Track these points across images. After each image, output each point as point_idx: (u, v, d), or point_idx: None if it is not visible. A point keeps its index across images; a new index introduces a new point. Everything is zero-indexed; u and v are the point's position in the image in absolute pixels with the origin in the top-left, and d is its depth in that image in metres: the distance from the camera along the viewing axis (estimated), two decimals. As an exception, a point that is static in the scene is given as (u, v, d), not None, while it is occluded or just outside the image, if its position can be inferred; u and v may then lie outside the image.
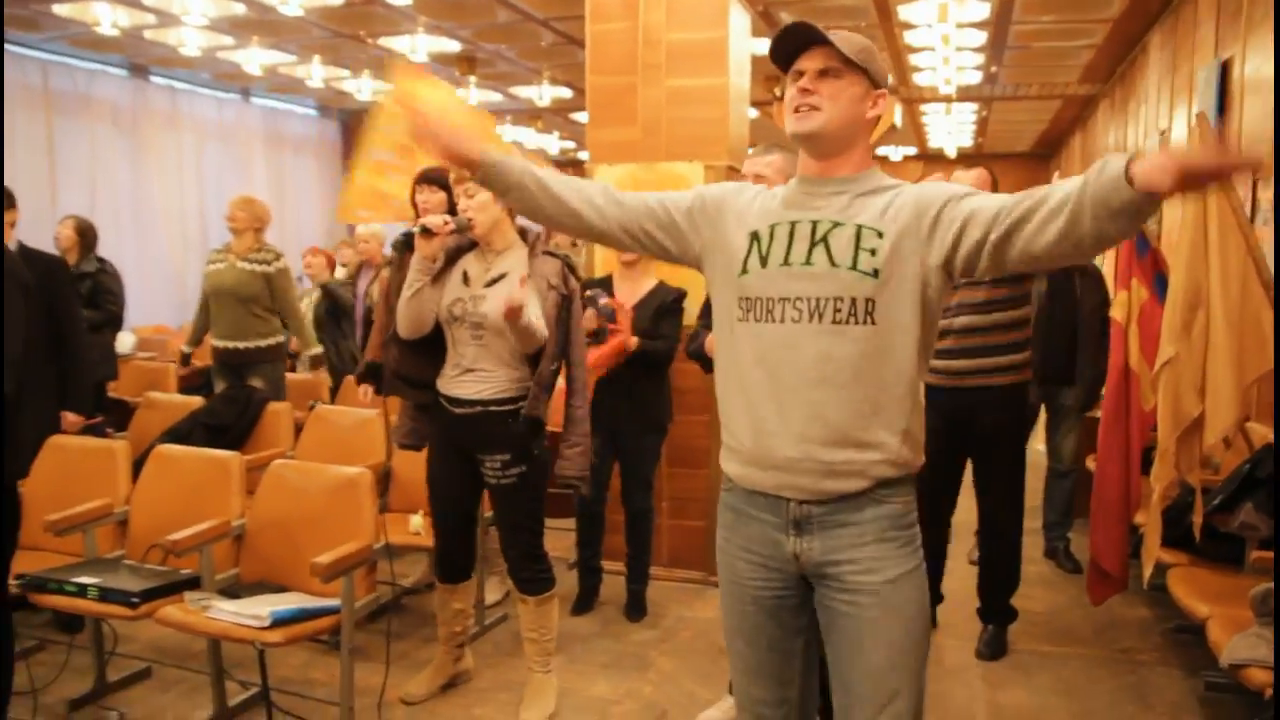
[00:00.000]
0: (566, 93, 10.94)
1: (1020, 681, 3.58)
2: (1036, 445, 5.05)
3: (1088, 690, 3.52)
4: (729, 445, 1.91)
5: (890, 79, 1.86)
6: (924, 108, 12.07)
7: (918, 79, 9.97)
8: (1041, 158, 15.67)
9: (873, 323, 1.76)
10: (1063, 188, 1.63)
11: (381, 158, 5.09)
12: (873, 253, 1.76)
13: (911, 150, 15.89)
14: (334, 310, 5.99)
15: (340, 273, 6.59)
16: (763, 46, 8.45)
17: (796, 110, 1.81)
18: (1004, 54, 8.83)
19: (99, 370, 5.41)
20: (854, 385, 1.77)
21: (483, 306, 3.09)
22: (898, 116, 10.92)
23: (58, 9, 7.56)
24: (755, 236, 1.87)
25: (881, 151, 15.36)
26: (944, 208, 1.75)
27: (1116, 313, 3.64)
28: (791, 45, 1.82)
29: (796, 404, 1.79)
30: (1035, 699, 3.45)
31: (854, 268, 1.76)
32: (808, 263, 1.79)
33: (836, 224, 1.80)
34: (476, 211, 3.10)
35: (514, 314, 2.94)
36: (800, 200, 1.86)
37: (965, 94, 10.75)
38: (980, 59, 9.05)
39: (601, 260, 4.69)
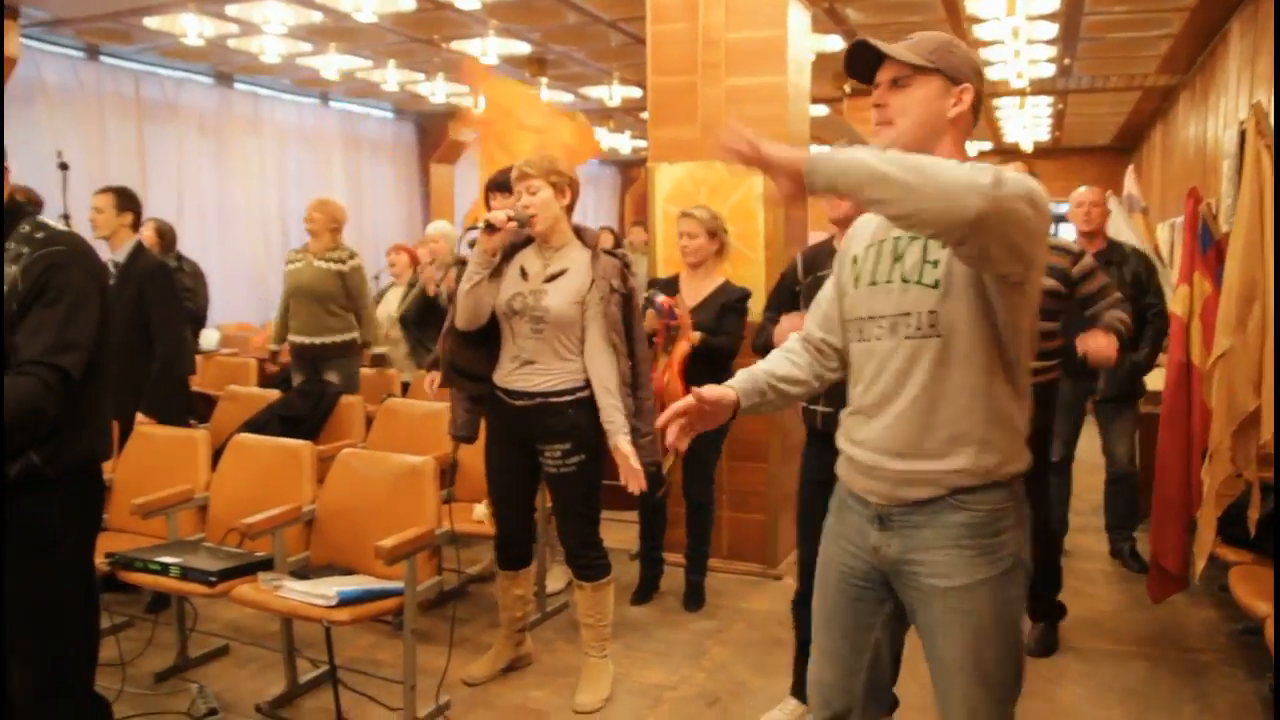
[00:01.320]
0: (636, 92, 11.03)
1: (1078, 679, 3.57)
2: (1095, 449, 4.98)
3: (1147, 690, 3.49)
4: (839, 447, 1.99)
5: (974, 71, 1.87)
6: (997, 102, 11.89)
7: (989, 73, 9.84)
8: (1122, 151, 15.29)
9: (937, 335, 1.78)
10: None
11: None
12: (934, 264, 1.78)
13: (986, 145, 15.64)
14: (424, 310, 6.07)
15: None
16: (826, 44, 8.46)
17: (876, 125, 1.87)
18: (1077, 46, 8.68)
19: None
20: (922, 398, 1.80)
21: (544, 301, 3.19)
22: (970, 111, 10.78)
23: (148, 22, 7.89)
24: (855, 260, 1.95)
25: (955, 147, 15.13)
26: None
27: (1176, 307, 3.60)
28: (864, 61, 1.86)
29: (876, 417, 1.86)
30: (1092, 696, 3.43)
31: (919, 281, 1.80)
32: (889, 280, 1.85)
33: (912, 239, 1.83)
34: (539, 208, 3.20)
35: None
36: None
37: (1039, 87, 10.57)
38: (1053, 51, 8.90)
39: (664, 259, 4.77)
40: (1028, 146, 15.12)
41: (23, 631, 2.23)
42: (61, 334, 2.16)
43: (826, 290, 2.09)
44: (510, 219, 3.15)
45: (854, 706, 2.02)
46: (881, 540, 1.89)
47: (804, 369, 2.09)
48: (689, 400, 1.95)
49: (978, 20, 7.76)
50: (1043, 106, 12.39)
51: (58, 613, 2.26)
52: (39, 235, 2.25)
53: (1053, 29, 8.10)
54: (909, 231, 1.78)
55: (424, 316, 5.93)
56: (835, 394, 2.98)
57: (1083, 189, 4.63)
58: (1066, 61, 9.31)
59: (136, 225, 4.38)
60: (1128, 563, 4.76)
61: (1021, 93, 10.87)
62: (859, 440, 1.90)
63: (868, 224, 2.00)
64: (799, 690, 3.24)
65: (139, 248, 4.29)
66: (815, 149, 1.76)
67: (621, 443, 3.12)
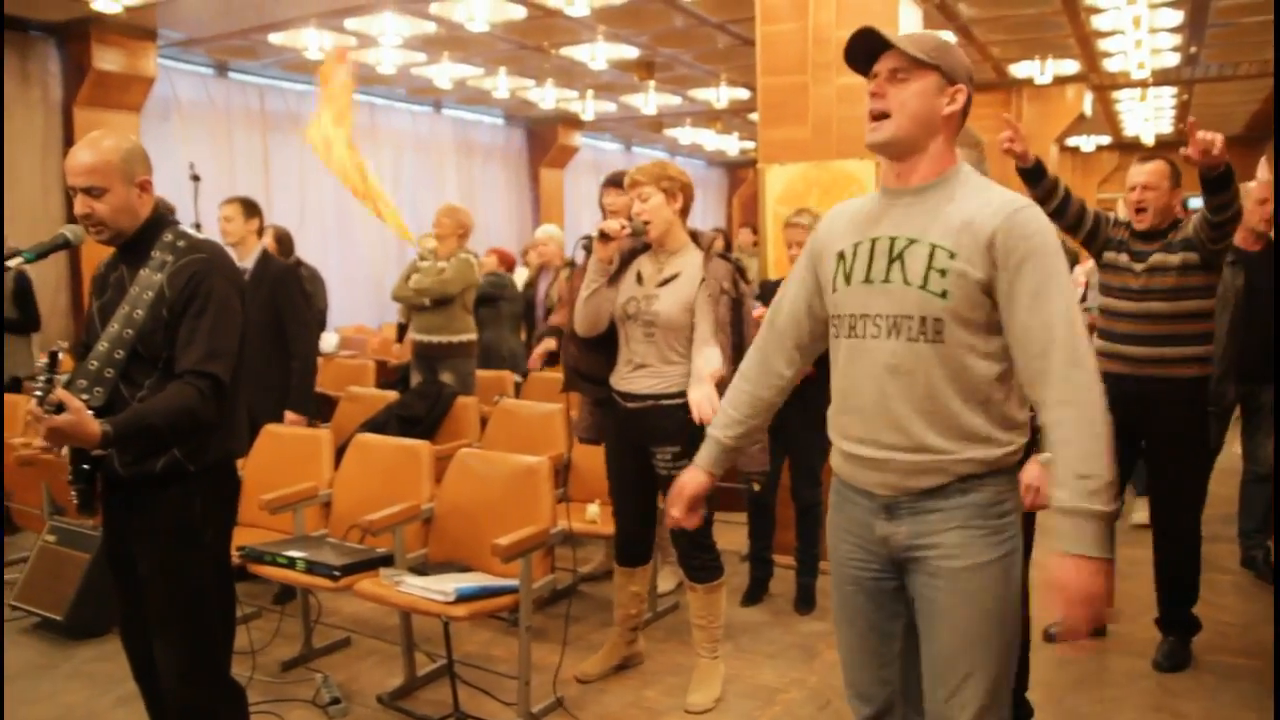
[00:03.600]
0: (744, 94, 11.01)
1: (1206, 694, 3.42)
2: (1234, 448, 4.76)
3: None
4: (833, 442, 2.02)
5: (967, 74, 1.90)
6: (1116, 94, 11.48)
7: (1108, 64, 9.49)
8: (1254, 141, 14.56)
9: (941, 341, 1.82)
10: (1059, 420, 1.74)
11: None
12: (943, 273, 1.80)
13: (1105, 139, 15.10)
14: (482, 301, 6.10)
15: (521, 274, 6.88)
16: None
17: (870, 117, 1.86)
18: (1204, 32, 8.32)
19: None
20: (927, 399, 1.83)
21: (655, 305, 3.22)
22: (1087, 104, 10.41)
23: (273, 38, 8.24)
24: (841, 256, 1.95)
25: (1072, 142, 14.67)
26: (1013, 280, 1.77)
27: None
28: (867, 50, 1.88)
29: (877, 414, 1.88)
30: (1221, 713, 3.29)
31: (924, 287, 1.82)
32: (886, 280, 1.86)
33: (912, 241, 1.84)
34: (651, 215, 3.24)
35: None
36: (882, 213, 1.92)
37: (1162, 78, 10.16)
38: (1177, 39, 8.55)
39: (774, 262, 4.76)
40: (1149, 140, 14.55)
41: (167, 616, 2.37)
42: (211, 342, 2.30)
43: (790, 289, 2.10)
44: (624, 228, 3.19)
45: (894, 700, 2.02)
46: (889, 529, 1.91)
47: (756, 399, 2.19)
48: (679, 496, 2.19)
49: (1096, 10, 7.51)
50: (1166, 98, 11.92)
51: (199, 599, 2.39)
52: (181, 244, 2.38)
53: (1177, 16, 7.80)
54: None
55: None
56: None
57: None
58: (1193, 49, 8.94)
59: (260, 231, 4.58)
60: (1261, 572, 4.54)
61: (1143, 84, 10.48)
62: (859, 437, 1.92)
63: (841, 220, 2.00)
64: None
65: (265, 253, 4.49)
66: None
67: (692, 391, 3.11)
